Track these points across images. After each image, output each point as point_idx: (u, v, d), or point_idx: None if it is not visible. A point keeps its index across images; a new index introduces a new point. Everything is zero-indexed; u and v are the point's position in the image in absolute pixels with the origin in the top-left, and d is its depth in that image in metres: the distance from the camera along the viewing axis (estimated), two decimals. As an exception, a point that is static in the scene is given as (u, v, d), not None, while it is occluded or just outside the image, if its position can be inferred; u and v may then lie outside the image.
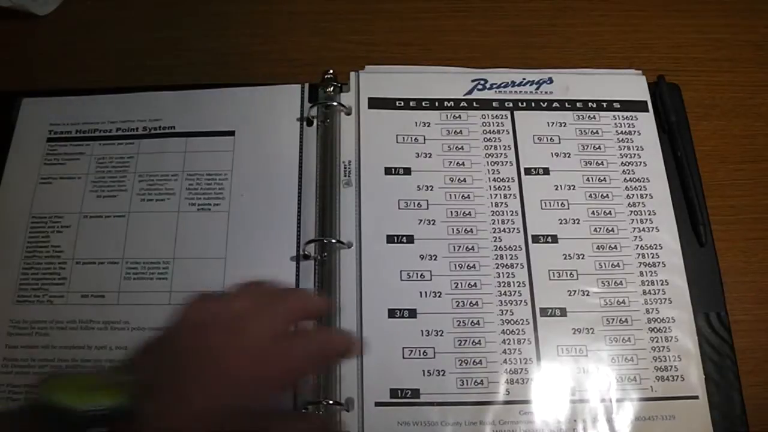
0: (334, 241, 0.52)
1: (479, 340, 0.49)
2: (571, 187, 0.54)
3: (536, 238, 0.53)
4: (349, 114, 0.56)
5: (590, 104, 0.58)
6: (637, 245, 0.53)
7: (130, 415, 0.35)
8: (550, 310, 0.50)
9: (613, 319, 0.50)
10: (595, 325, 0.50)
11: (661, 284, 0.51)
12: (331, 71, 0.58)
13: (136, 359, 0.38)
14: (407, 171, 0.54)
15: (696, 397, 0.48)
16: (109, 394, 0.35)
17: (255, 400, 0.38)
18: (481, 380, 0.48)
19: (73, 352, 0.50)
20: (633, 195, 0.54)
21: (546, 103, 0.57)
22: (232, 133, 0.56)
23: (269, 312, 0.40)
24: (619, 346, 0.49)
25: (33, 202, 0.55)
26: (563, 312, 0.50)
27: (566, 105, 0.57)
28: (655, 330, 0.50)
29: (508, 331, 0.50)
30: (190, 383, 0.37)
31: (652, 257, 0.52)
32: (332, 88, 0.57)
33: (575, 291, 0.51)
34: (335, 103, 0.56)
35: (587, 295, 0.51)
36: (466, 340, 0.49)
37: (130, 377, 0.36)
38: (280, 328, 0.40)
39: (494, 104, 0.57)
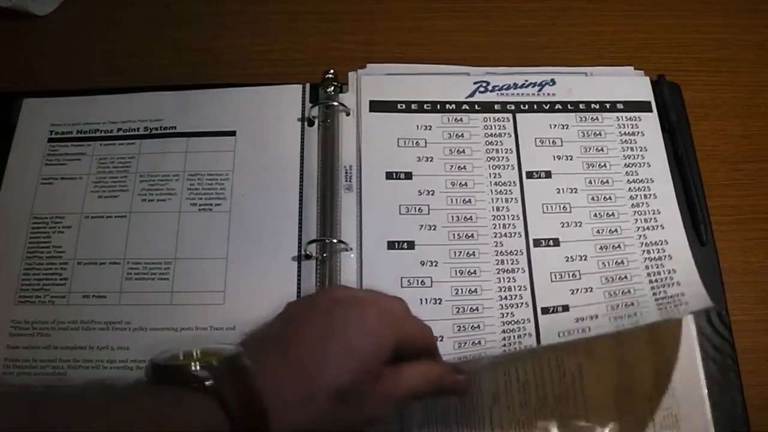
0: (335, 241, 0.52)
1: (479, 342, 0.49)
2: (574, 190, 0.54)
3: (538, 242, 0.52)
4: (349, 114, 0.56)
5: (593, 106, 0.57)
6: (642, 243, 0.52)
7: (237, 367, 0.35)
8: (552, 309, 0.50)
9: (618, 305, 0.50)
10: (599, 312, 0.49)
11: (669, 273, 0.51)
12: (332, 71, 0.58)
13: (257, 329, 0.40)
14: (408, 175, 0.54)
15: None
16: (216, 355, 0.36)
17: (366, 388, 0.39)
18: None
19: (74, 353, 0.50)
20: (636, 196, 0.54)
21: (548, 105, 0.57)
22: (233, 133, 0.56)
23: (392, 312, 0.42)
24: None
25: (34, 203, 0.55)
26: (565, 308, 0.50)
27: (569, 107, 0.57)
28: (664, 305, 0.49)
29: (508, 331, 0.50)
30: (310, 352, 0.38)
31: (658, 252, 0.52)
32: (333, 88, 0.57)
33: (577, 289, 0.51)
34: (336, 103, 0.56)
35: (590, 291, 0.51)
36: (465, 342, 0.49)
37: (236, 347, 0.37)
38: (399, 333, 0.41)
39: (496, 107, 0.57)
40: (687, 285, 0.50)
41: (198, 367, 0.35)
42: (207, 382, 0.34)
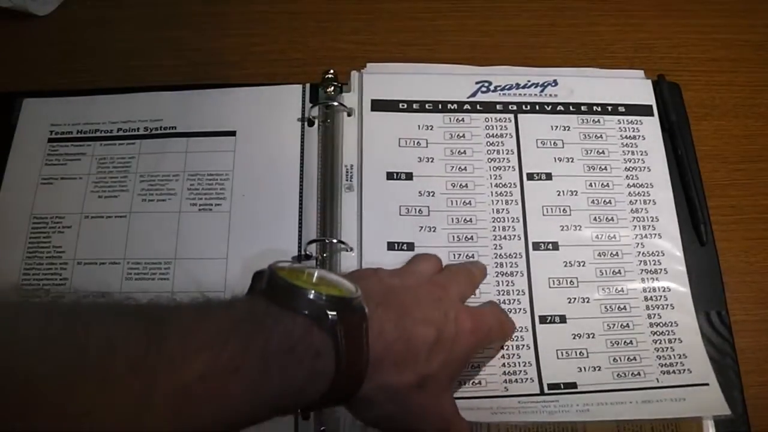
0: (335, 241, 0.52)
1: None
2: (574, 193, 0.54)
3: (537, 246, 0.52)
4: (350, 115, 0.56)
5: (595, 108, 0.57)
6: (639, 252, 0.52)
7: (360, 312, 0.36)
8: (549, 318, 0.50)
9: (614, 324, 0.50)
10: (595, 331, 0.50)
11: (663, 291, 0.51)
12: (332, 71, 0.58)
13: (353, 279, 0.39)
14: (409, 176, 0.54)
15: (706, 384, 0.48)
16: (341, 290, 0.36)
17: (460, 355, 0.42)
18: (480, 381, 0.48)
19: (74, 353, 0.50)
20: (636, 201, 0.54)
21: (550, 107, 0.57)
22: (233, 134, 0.56)
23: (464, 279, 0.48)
24: (621, 348, 0.49)
25: (34, 203, 0.54)
26: (563, 319, 0.50)
27: (570, 108, 0.57)
28: (658, 333, 0.50)
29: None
30: (416, 315, 0.40)
31: (654, 264, 0.52)
32: (333, 88, 0.57)
33: (575, 299, 0.51)
34: (336, 103, 0.56)
35: (587, 302, 0.51)
36: None
37: (355, 287, 0.37)
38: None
39: (498, 107, 0.57)
40: (682, 311, 0.50)
41: (324, 299, 0.34)
42: (330, 317, 0.34)
